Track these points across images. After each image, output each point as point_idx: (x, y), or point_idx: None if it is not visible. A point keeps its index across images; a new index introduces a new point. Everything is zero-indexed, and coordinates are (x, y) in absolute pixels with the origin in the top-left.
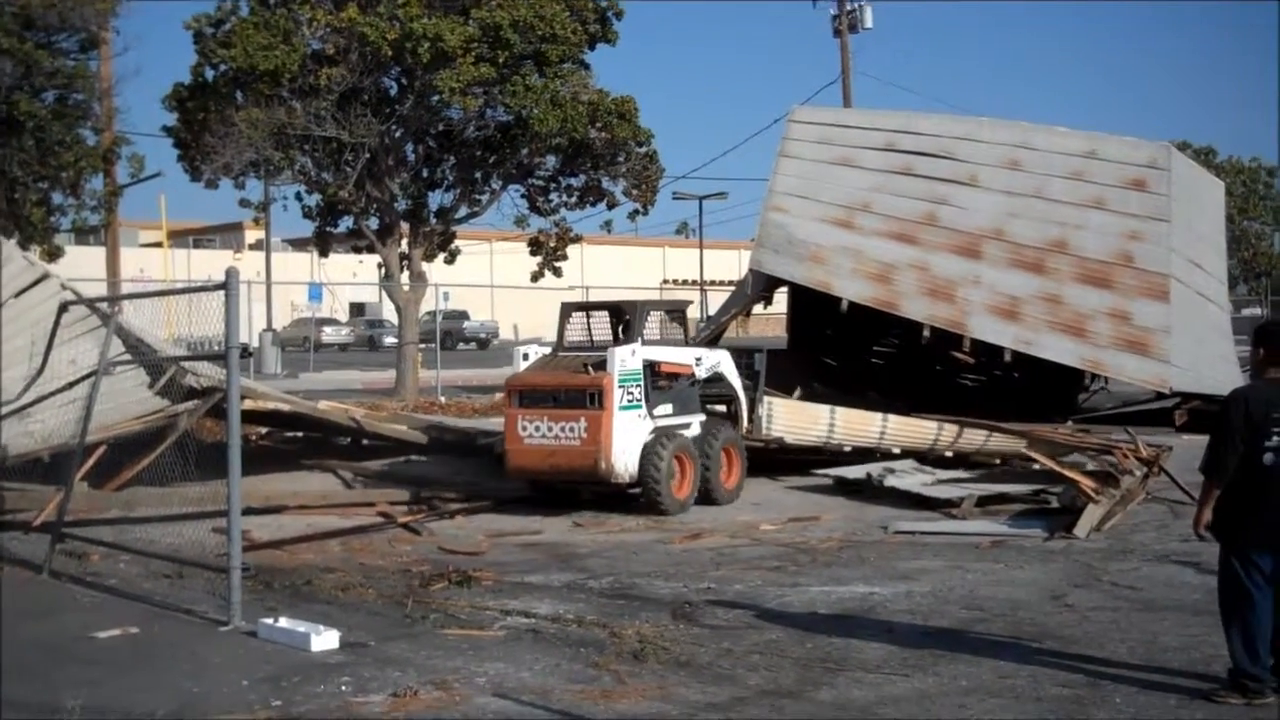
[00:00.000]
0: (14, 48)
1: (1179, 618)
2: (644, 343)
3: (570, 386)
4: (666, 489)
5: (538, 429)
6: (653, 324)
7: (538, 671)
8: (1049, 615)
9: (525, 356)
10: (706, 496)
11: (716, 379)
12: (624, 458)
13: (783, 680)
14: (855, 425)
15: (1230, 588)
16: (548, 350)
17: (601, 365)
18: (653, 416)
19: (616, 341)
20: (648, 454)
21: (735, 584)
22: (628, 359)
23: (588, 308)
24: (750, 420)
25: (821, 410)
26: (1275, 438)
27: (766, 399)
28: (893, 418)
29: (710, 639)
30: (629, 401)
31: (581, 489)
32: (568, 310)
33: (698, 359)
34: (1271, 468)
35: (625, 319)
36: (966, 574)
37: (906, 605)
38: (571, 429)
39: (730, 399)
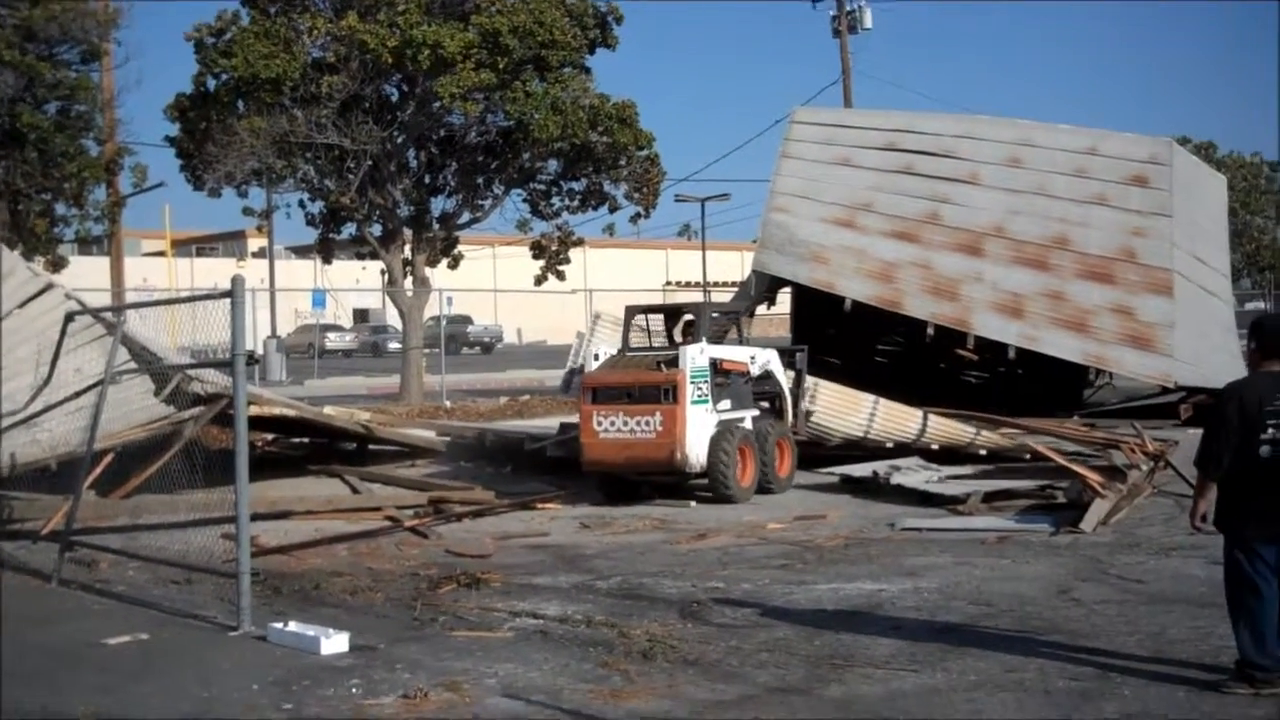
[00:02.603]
0: (15, 60)
1: (1186, 610)
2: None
3: (645, 383)
4: (734, 478)
5: (613, 423)
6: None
7: (547, 672)
8: (1056, 609)
9: (596, 356)
10: (762, 486)
11: (765, 376)
12: (695, 449)
13: (791, 678)
14: (896, 419)
15: (1235, 580)
16: (613, 351)
17: (671, 363)
18: (717, 411)
19: (670, 341)
20: (715, 446)
21: (743, 583)
22: (697, 357)
23: (648, 310)
24: (795, 416)
25: (865, 398)
26: (1270, 430)
27: (812, 379)
28: (933, 415)
29: (719, 637)
30: (698, 396)
31: (642, 482)
32: (631, 312)
33: (752, 357)
34: (1268, 460)
35: (685, 320)
36: (973, 570)
37: (914, 602)
38: (647, 423)
39: (776, 395)
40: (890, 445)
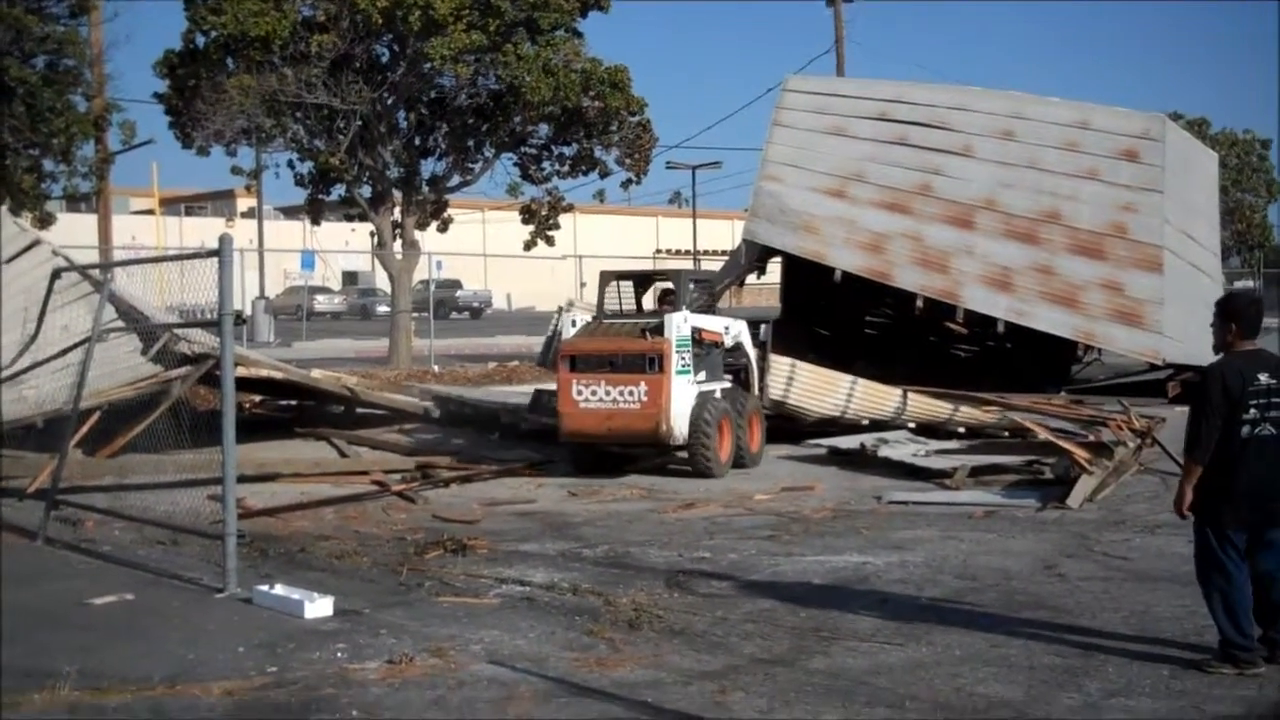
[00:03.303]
0: (3, 12)
1: (1171, 588)
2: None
3: (630, 351)
4: (715, 452)
5: (594, 393)
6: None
7: (533, 639)
8: (1042, 585)
9: (574, 324)
10: (736, 460)
11: (735, 348)
12: (680, 421)
13: (776, 649)
14: (874, 398)
15: (1206, 562)
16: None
17: (655, 331)
18: (696, 382)
19: (640, 309)
20: (697, 418)
21: (729, 553)
22: (681, 325)
23: (623, 276)
24: (761, 389)
25: (843, 379)
26: (1252, 410)
27: (789, 360)
28: (911, 395)
29: (704, 608)
30: (681, 366)
31: (614, 452)
32: (607, 278)
33: (725, 328)
34: (1248, 440)
35: (661, 289)
36: (960, 544)
37: (900, 575)
38: (631, 393)
39: (743, 368)
40: (866, 423)
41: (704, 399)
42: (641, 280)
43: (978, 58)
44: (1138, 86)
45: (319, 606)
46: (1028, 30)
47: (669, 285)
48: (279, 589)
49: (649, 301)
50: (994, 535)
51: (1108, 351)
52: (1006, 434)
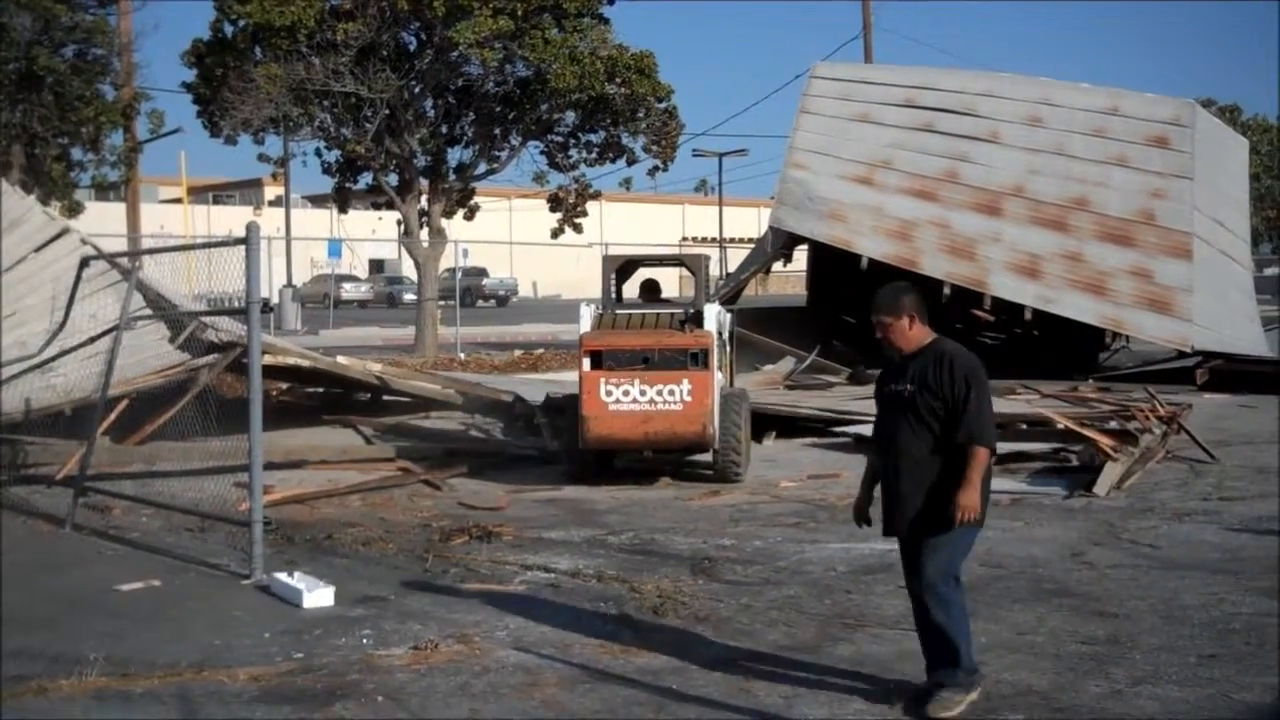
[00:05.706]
0: (32, 2)
1: (1199, 576)
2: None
3: (670, 346)
4: (744, 455)
5: (627, 393)
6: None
7: (558, 626)
8: (1068, 573)
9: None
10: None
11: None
12: (717, 421)
13: (801, 636)
14: None
15: (957, 574)
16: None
17: (694, 323)
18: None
19: (619, 297)
20: (725, 418)
21: (754, 540)
22: (717, 317)
23: (632, 263)
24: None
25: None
26: None
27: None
28: None
29: (729, 595)
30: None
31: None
32: (611, 264)
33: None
34: None
35: (644, 280)
36: (986, 531)
37: None
38: (673, 392)
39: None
40: None
41: (726, 397)
42: (623, 268)
43: (1007, 46)
44: (1169, 73)
45: (318, 596)
46: (1057, 18)
47: (653, 277)
48: (281, 576)
49: (628, 290)
50: (1020, 523)
51: (1136, 339)
52: (1024, 426)
